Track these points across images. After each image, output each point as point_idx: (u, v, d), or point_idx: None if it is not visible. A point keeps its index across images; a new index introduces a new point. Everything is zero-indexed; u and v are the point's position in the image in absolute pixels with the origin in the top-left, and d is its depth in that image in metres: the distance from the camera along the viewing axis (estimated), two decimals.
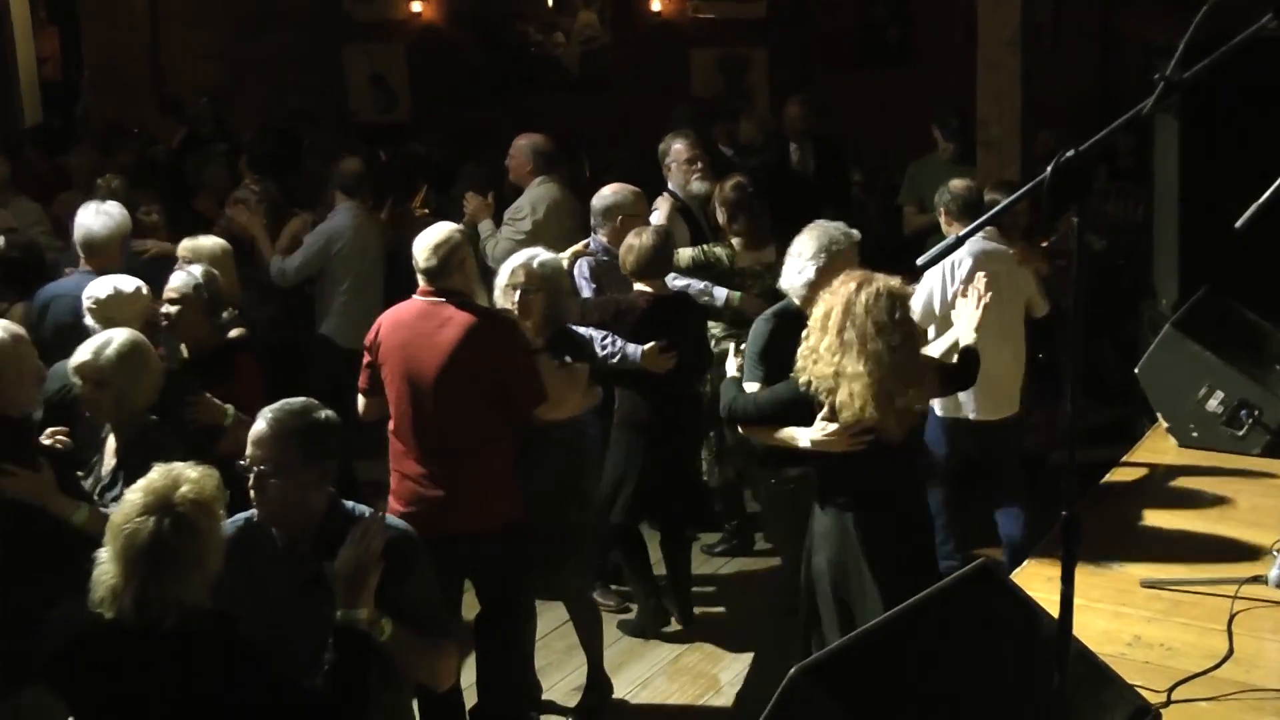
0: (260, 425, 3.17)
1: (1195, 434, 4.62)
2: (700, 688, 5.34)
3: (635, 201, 6.00)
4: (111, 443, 4.18)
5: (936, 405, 5.66)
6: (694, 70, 10.85)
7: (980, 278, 4.86)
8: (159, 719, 2.91)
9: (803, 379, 4.14)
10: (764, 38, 10.62)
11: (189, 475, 2.93)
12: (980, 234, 5.37)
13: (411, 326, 4.61)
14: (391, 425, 4.64)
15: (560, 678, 5.40)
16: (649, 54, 10.85)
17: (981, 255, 5.41)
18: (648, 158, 7.72)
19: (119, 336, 4.16)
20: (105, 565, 2.88)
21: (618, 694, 5.28)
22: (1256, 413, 4.49)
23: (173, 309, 4.94)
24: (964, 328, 4.72)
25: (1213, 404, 4.57)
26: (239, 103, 10.66)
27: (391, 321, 4.69)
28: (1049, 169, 2.22)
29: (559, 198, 6.85)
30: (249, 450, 3.17)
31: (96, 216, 5.59)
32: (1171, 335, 4.74)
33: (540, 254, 5.06)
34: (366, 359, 4.72)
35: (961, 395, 5.49)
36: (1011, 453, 5.83)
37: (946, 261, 5.39)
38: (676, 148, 6.76)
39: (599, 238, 5.96)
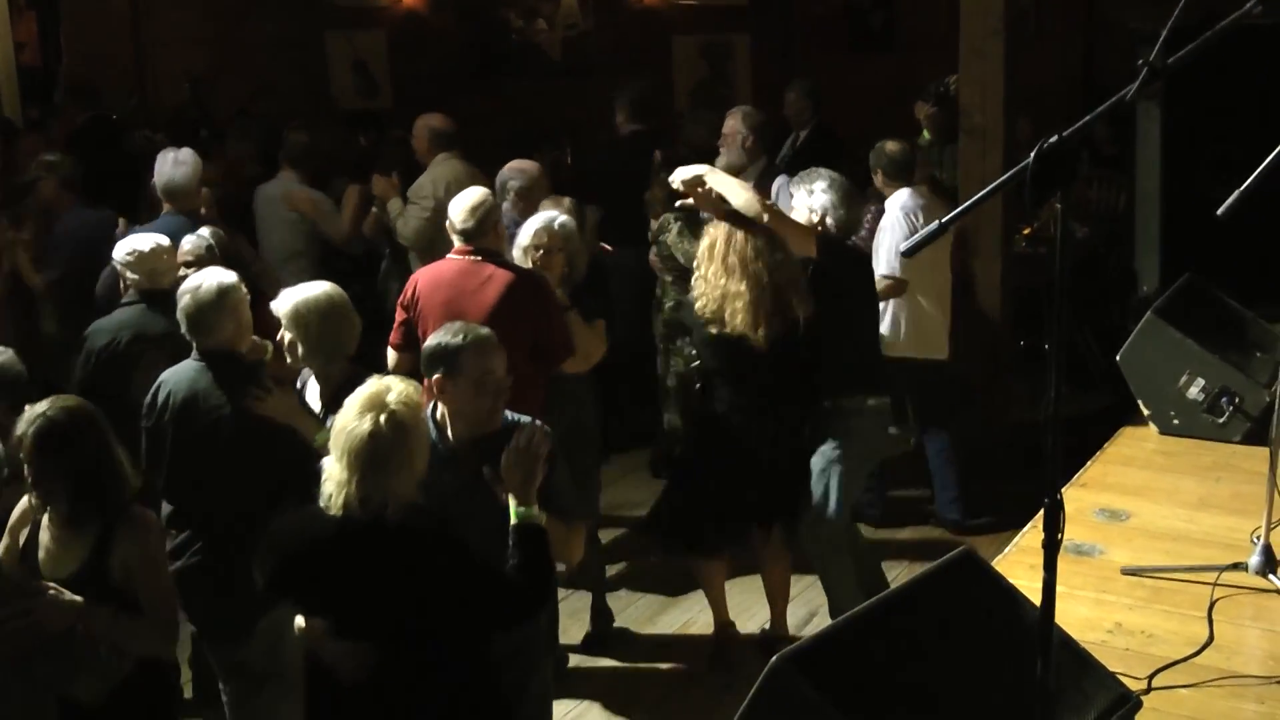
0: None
1: (1176, 421, 4.63)
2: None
3: (542, 174, 6.24)
4: (312, 387, 4.39)
5: None
6: (677, 57, 10.82)
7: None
8: (383, 608, 3.24)
9: (698, 305, 4.93)
10: (747, 24, 10.59)
11: (397, 383, 3.30)
12: (913, 191, 6.40)
13: (453, 284, 4.91)
14: None
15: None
16: (631, 41, 10.81)
17: (925, 206, 6.29)
18: (633, 144, 7.74)
19: (322, 286, 4.38)
20: (330, 468, 3.25)
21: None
22: (1237, 400, 4.50)
23: (189, 270, 5.10)
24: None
25: (1194, 391, 4.58)
26: (221, 89, 10.60)
27: (430, 280, 4.98)
28: (1032, 155, 2.21)
29: (460, 174, 6.92)
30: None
31: (176, 166, 6.06)
32: (1153, 322, 4.74)
33: (559, 216, 5.35)
34: (402, 316, 4.97)
35: (889, 334, 6.27)
36: (936, 392, 6.50)
37: (903, 213, 6.26)
38: (728, 123, 7.04)
39: (506, 207, 5.93)
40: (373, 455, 3.16)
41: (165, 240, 5.16)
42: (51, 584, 3.47)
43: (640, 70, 10.19)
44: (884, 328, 6.19)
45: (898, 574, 5.85)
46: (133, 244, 5.09)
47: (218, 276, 4.38)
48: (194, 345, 4.35)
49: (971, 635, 2.76)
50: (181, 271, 5.16)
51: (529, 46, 11.43)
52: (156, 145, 8.12)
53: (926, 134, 7.64)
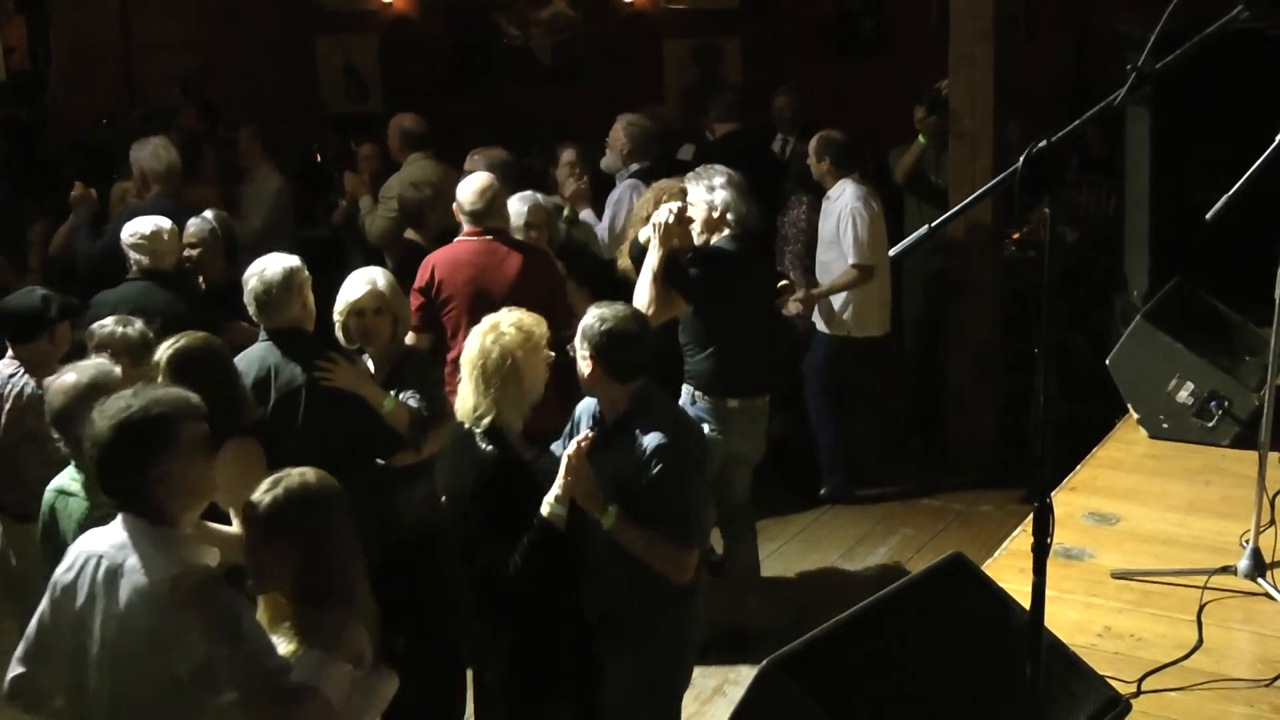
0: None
1: (1165, 425, 4.63)
2: None
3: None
4: (368, 366, 4.66)
5: (820, 323, 6.96)
6: (667, 61, 10.83)
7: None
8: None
9: None
10: (737, 28, 10.61)
11: (508, 312, 3.95)
12: (855, 180, 6.82)
13: (473, 263, 5.31)
14: (453, 354, 5.17)
15: None
16: (622, 44, 10.82)
17: (870, 194, 6.81)
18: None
19: (378, 270, 4.75)
20: (464, 395, 3.89)
21: None
22: (1226, 404, 4.51)
23: (194, 251, 5.72)
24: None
25: (1183, 395, 4.58)
26: (211, 92, 10.58)
27: (448, 261, 5.34)
28: (1021, 160, 2.21)
29: (430, 174, 7.03)
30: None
31: (167, 150, 6.76)
32: (1142, 326, 4.75)
33: (538, 195, 5.84)
34: (419, 300, 5.26)
35: (845, 315, 6.87)
36: (875, 367, 7.16)
37: (860, 203, 6.70)
38: (613, 129, 7.25)
39: None
40: (500, 367, 3.77)
41: (167, 223, 5.50)
42: None
43: (631, 74, 10.22)
44: (841, 311, 6.86)
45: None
46: (136, 226, 5.41)
47: (283, 260, 4.58)
48: (261, 325, 4.58)
49: (961, 639, 2.76)
50: (186, 252, 5.67)
51: (519, 50, 11.44)
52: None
53: (922, 139, 7.64)
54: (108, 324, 4.58)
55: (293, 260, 4.59)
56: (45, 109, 11.08)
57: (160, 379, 3.92)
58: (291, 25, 11.43)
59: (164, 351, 4.00)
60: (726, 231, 5.34)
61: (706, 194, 5.35)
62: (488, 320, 3.96)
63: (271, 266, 4.53)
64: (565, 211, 6.65)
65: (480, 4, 11.44)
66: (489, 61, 11.41)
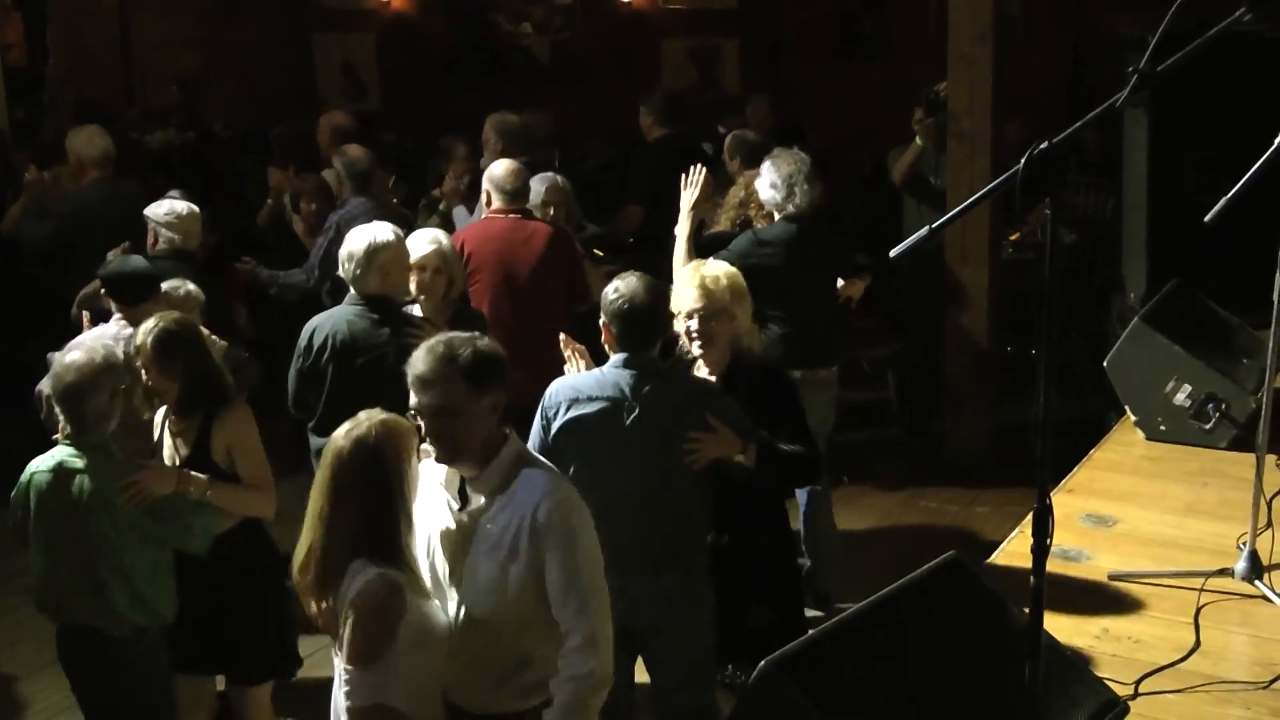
0: None
1: (1163, 427, 4.64)
2: None
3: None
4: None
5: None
6: (665, 61, 10.83)
7: None
8: None
9: None
10: (735, 29, 10.60)
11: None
12: None
13: (502, 238, 5.71)
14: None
15: None
16: (619, 44, 10.81)
17: None
18: (618, 147, 7.72)
19: (439, 231, 5.16)
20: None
21: None
22: (1223, 406, 4.51)
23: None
24: None
25: (1180, 397, 4.59)
26: (209, 90, 10.58)
27: (478, 236, 5.75)
28: (1022, 161, 2.21)
29: None
30: None
31: (102, 137, 6.99)
32: (1140, 328, 4.75)
33: (558, 176, 6.16)
34: None
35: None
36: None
37: None
38: (484, 129, 7.36)
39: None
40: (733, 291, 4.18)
41: (195, 207, 5.85)
42: (151, 461, 4.11)
43: (629, 74, 10.22)
44: None
45: None
46: (172, 206, 5.75)
47: (371, 233, 4.84)
48: (351, 289, 4.86)
49: (959, 640, 2.76)
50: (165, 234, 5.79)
51: (517, 49, 11.43)
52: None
53: (919, 140, 7.62)
54: (175, 283, 4.93)
55: (382, 235, 4.81)
56: (43, 106, 11.06)
57: (143, 362, 4.11)
58: (290, 23, 11.42)
59: (145, 336, 4.13)
60: (778, 216, 5.53)
61: (756, 180, 5.60)
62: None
63: (363, 239, 4.80)
64: (441, 205, 7.12)
65: (479, 2, 11.44)
66: (487, 60, 11.40)
